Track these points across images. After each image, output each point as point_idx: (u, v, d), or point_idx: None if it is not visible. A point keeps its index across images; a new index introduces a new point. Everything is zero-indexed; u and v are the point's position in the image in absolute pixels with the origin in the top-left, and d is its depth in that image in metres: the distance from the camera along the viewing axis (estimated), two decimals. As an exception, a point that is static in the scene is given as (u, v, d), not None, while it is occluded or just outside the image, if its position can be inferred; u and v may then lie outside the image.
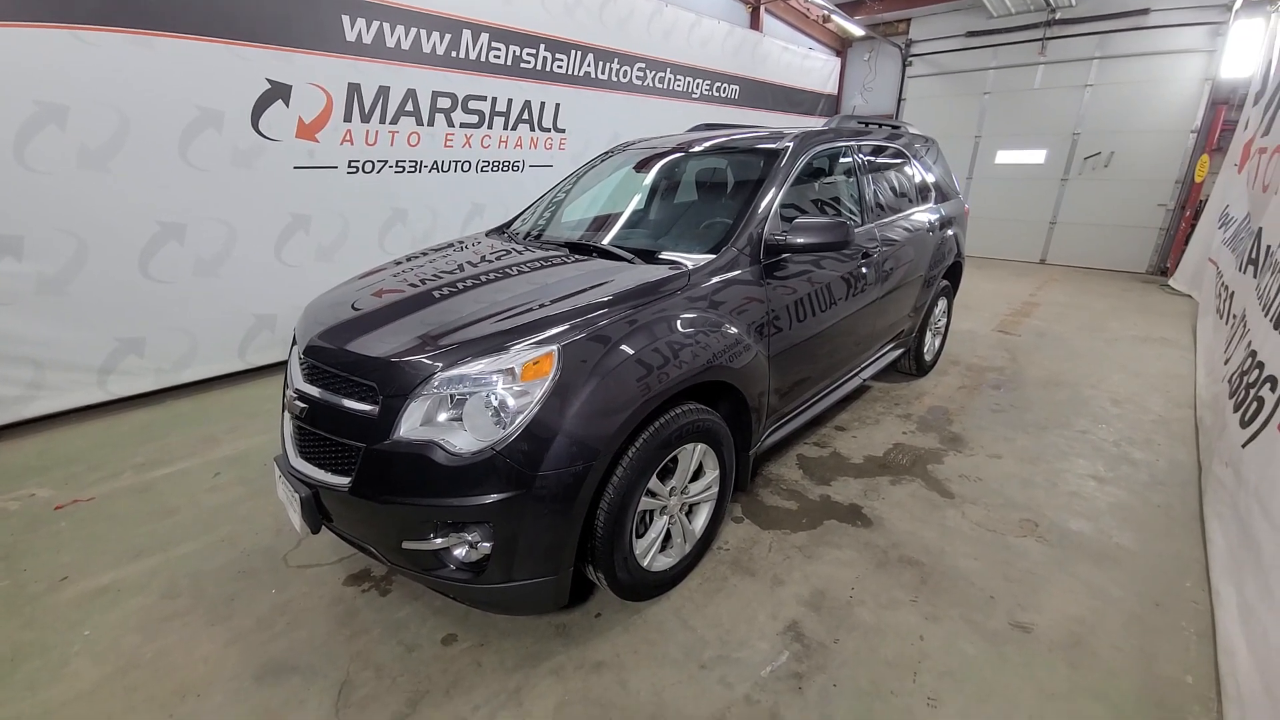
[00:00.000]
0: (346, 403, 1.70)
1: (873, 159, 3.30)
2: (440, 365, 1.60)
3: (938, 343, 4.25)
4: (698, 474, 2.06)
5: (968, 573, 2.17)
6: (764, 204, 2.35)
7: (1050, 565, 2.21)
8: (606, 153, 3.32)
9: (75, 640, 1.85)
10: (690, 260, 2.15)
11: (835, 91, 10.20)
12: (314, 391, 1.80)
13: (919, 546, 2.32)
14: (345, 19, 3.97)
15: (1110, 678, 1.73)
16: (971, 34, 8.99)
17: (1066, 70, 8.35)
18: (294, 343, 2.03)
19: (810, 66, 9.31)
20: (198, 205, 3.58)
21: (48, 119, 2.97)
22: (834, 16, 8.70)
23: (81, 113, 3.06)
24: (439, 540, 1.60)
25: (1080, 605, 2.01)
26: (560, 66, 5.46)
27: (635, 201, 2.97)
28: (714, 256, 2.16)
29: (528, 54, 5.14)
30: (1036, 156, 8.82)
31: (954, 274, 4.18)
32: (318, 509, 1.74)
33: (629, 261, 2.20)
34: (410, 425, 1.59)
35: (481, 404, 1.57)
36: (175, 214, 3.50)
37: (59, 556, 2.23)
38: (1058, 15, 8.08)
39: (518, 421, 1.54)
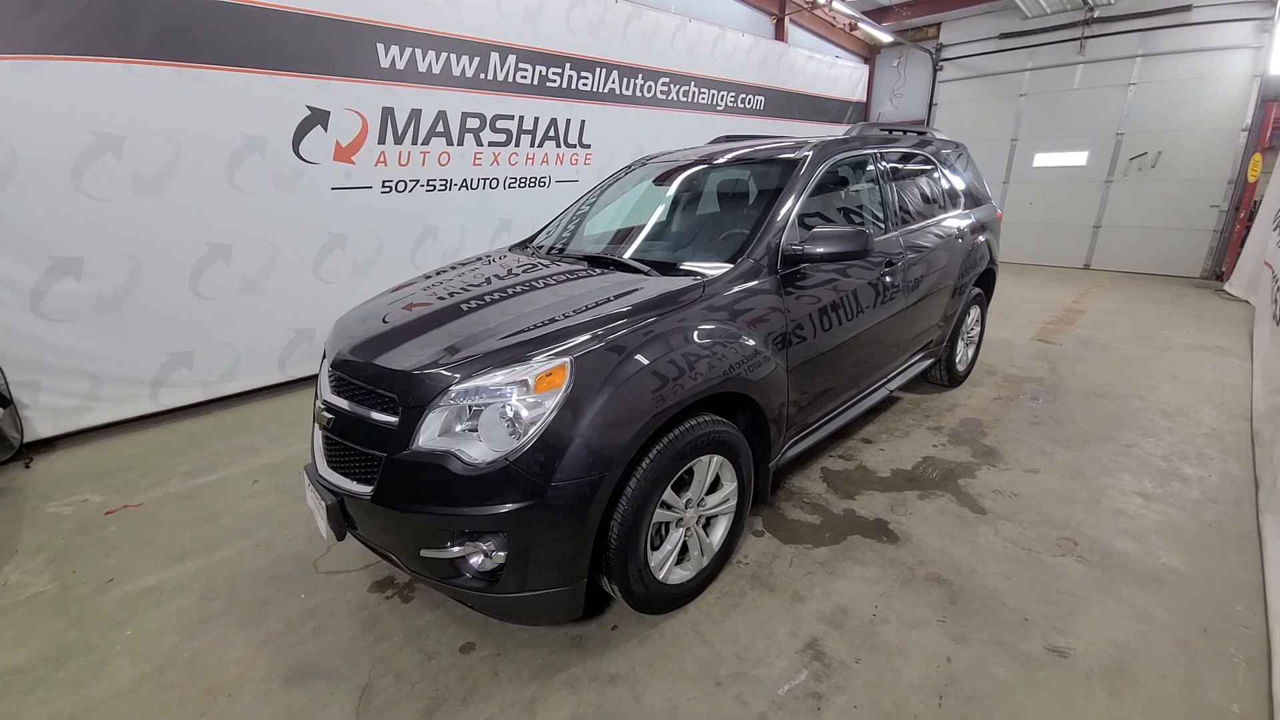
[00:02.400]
0: (370, 414, 1.75)
1: (897, 165, 3.25)
2: (457, 377, 1.65)
3: (971, 352, 4.13)
4: (715, 486, 2.05)
5: (1000, 593, 2.08)
6: (781, 213, 2.34)
7: (1090, 586, 2.11)
8: (627, 167, 3.36)
9: (117, 640, 1.94)
10: (707, 271, 2.16)
11: (864, 99, 10.08)
12: (341, 403, 1.86)
13: (948, 564, 2.24)
14: (380, 46, 4.15)
15: (1151, 706, 1.63)
16: (1005, 35, 8.79)
17: (1107, 69, 8.07)
18: (324, 356, 2.12)
19: (837, 75, 9.23)
20: (243, 227, 3.78)
21: (105, 148, 3.19)
22: (861, 24, 8.65)
23: (136, 142, 3.28)
24: (455, 549, 1.63)
25: (1122, 629, 1.90)
26: (585, 84, 5.57)
27: (655, 214, 3.00)
28: (730, 267, 2.16)
29: (553, 73, 5.26)
30: (1078, 158, 8.53)
31: (987, 281, 4.06)
32: (343, 516, 1.80)
33: (645, 274, 2.22)
34: (428, 436, 1.63)
35: (496, 415, 1.61)
36: (223, 235, 3.70)
37: (107, 559, 2.36)
38: (1096, 14, 7.83)
39: (531, 432, 1.57)
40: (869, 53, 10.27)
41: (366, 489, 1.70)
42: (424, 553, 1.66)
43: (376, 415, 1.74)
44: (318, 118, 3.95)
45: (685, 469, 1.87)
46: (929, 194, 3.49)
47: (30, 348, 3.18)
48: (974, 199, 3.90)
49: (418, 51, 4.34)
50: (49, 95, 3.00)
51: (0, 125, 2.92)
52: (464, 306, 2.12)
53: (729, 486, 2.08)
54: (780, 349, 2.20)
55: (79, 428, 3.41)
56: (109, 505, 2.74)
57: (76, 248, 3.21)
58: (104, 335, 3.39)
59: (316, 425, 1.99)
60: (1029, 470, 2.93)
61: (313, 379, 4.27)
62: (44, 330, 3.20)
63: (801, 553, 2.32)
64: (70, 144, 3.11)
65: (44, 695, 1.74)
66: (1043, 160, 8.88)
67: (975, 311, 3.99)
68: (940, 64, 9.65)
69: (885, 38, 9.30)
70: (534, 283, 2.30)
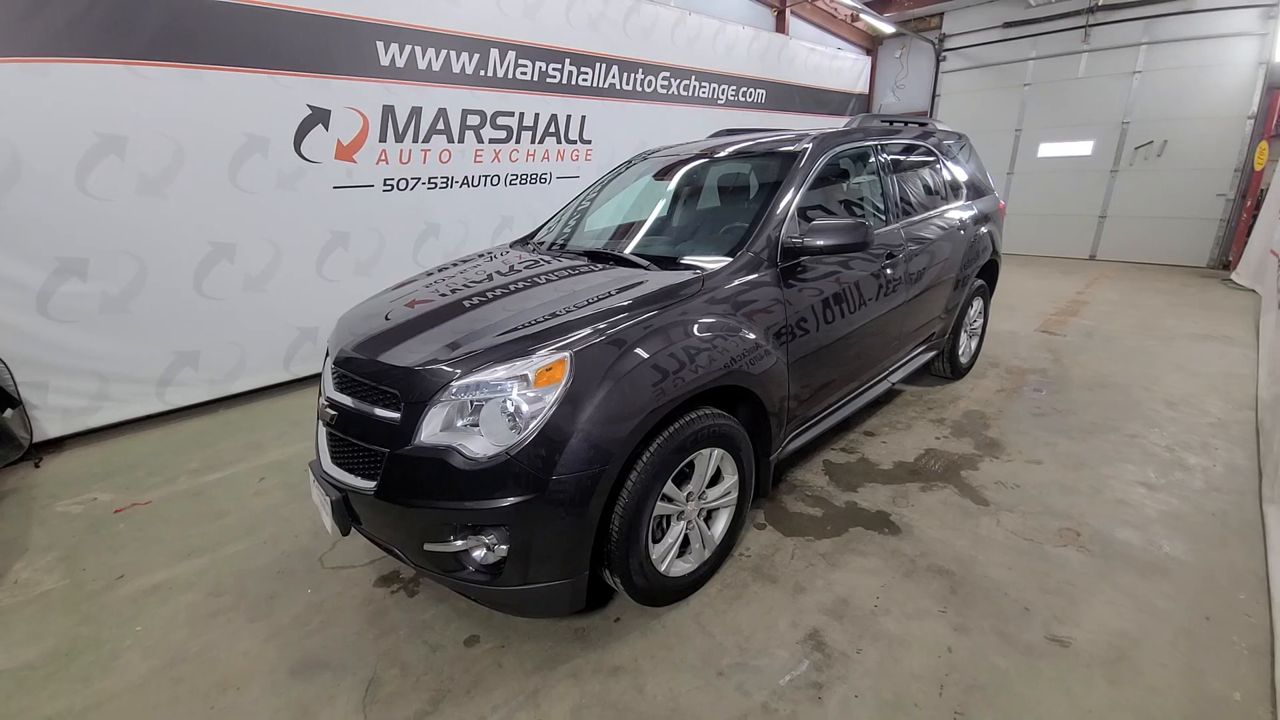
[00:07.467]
0: (373, 410, 1.77)
1: (898, 157, 3.24)
2: (458, 373, 1.66)
3: (974, 344, 4.11)
4: (716, 479, 2.06)
5: (1001, 583, 2.08)
6: (780, 206, 2.34)
7: (1092, 576, 2.11)
8: (627, 162, 3.36)
9: (127, 635, 1.97)
10: (707, 265, 2.16)
11: (866, 90, 10.02)
12: (344, 400, 1.88)
13: (949, 555, 2.24)
14: (380, 44, 4.15)
15: (1152, 694, 1.63)
16: (1009, 25, 8.71)
17: (1112, 57, 7.99)
18: (327, 354, 2.13)
19: (839, 67, 9.18)
20: (247, 226, 3.80)
21: (108, 149, 3.22)
22: (863, 15, 8.58)
23: (139, 143, 3.30)
24: (458, 543, 1.65)
25: (1123, 619, 1.91)
26: (585, 79, 5.56)
27: (655, 209, 3.00)
28: (730, 260, 2.17)
29: (553, 69, 5.26)
30: (1083, 148, 8.45)
31: (990, 273, 4.05)
32: (348, 512, 1.82)
33: (645, 268, 2.22)
34: (430, 431, 1.65)
35: (497, 410, 1.62)
36: (226, 235, 3.73)
37: (117, 556, 2.39)
38: (1100, 1, 7.75)
39: (531, 427, 1.58)
40: (871, 44, 10.20)
41: (370, 484, 1.71)
42: (428, 547, 1.68)
43: (379, 411, 1.75)
44: (319, 117, 3.96)
45: (686, 462, 1.88)
46: (931, 185, 3.47)
47: (38, 349, 3.21)
48: (977, 190, 3.88)
49: (417, 49, 4.34)
50: (52, 97, 3.02)
51: (4, 128, 2.94)
52: (465, 303, 2.13)
53: (730, 479, 2.09)
54: (781, 342, 2.20)
55: (87, 427, 3.44)
56: (118, 503, 2.78)
57: (82, 249, 3.24)
58: (110, 335, 3.42)
59: (320, 422, 2.00)
60: (1031, 461, 2.92)
61: (317, 377, 4.29)
62: (51, 331, 3.24)
63: (803, 545, 2.33)
64: (74, 145, 3.13)
65: (55, 690, 1.77)
66: (1047, 150, 8.81)
67: (978, 303, 3.98)
68: (943, 54, 9.57)
69: (887, 28, 9.23)
70: (535, 279, 2.31)
